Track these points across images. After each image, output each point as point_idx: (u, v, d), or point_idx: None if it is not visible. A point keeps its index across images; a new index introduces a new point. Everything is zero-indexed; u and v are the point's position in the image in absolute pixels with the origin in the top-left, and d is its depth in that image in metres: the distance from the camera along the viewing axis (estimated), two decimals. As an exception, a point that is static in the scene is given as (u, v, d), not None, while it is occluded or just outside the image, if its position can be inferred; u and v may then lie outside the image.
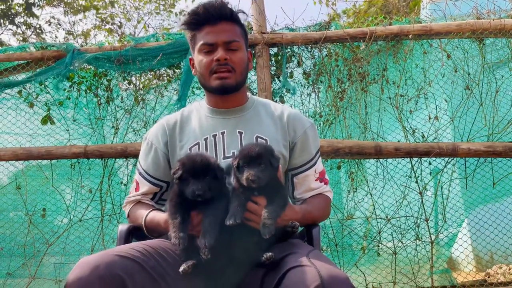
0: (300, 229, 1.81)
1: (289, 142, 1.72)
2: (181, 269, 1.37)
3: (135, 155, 3.01)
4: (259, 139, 1.67)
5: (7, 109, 3.32)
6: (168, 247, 1.48)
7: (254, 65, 3.21)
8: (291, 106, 3.24)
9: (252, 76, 3.26)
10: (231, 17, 1.66)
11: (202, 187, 1.37)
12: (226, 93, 1.69)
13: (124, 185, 3.11)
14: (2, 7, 13.50)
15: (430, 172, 3.15)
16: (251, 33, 3.22)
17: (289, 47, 3.29)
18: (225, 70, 1.63)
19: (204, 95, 1.82)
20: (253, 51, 3.22)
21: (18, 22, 14.80)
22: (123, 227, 1.74)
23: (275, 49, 3.30)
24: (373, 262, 3.15)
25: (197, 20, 1.65)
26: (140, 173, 1.77)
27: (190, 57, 1.77)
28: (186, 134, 1.73)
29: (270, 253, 1.35)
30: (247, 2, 3.34)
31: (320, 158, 1.80)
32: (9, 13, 14.01)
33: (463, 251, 3.17)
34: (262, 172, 1.39)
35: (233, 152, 1.64)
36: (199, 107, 1.80)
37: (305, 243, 1.62)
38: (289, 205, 1.53)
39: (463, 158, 3.13)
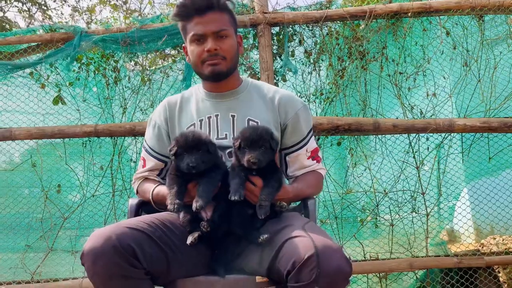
0: (298, 203, 1.96)
1: (280, 124, 1.84)
2: (188, 241, 1.53)
3: (143, 133, 3.10)
4: (250, 122, 1.80)
5: (20, 90, 3.46)
6: (174, 219, 1.64)
7: (256, 44, 3.30)
8: (292, 85, 3.33)
9: (254, 55, 3.34)
10: (218, 6, 1.74)
11: (195, 160, 1.51)
12: (218, 80, 1.82)
13: (133, 162, 3.26)
14: (7, -16, 13.45)
15: (428, 148, 3.25)
16: (252, 13, 3.28)
17: (290, 26, 3.35)
18: (216, 59, 1.73)
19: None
20: (254, 31, 3.29)
21: (23, -1, 14.75)
22: (133, 201, 1.90)
23: (277, 29, 3.37)
24: (371, 234, 3.30)
25: (186, 12, 1.74)
26: (146, 150, 1.92)
27: (183, 45, 1.88)
28: (184, 115, 1.88)
29: (266, 235, 1.50)
30: (249, -18, 3.39)
31: (313, 137, 1.91)
32: (14, -11, 13.95)
33: (462, 226, 3.29)
34: (262, 154, 1.52)
35: (226, 134, 1.77)
36: (197, 90, 1.94)
37: (301, 216, 1.76)
38: (283, 187, 1.67)
39: (460, 133, 3.23)
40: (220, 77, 1.80)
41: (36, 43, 3.37)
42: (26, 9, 15.08)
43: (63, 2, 16.45)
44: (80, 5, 16.24)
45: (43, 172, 3.29)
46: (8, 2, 14.38)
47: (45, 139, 3.23)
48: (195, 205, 1.47)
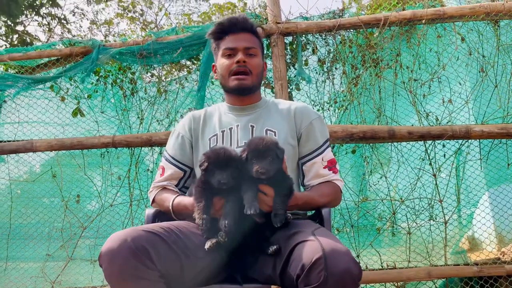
0: (312, 212, 1.97)
1: (296, 133, 1.90)
2: (206, 245, 1.57)
3: (160, 144, 3.20)
4: (268, 132, 1.87)
5: (41, 103, 3.57)
6: (190, 226, 1.67)
7: (269, 55, 3.33)
8: (306, 94, 3.35)
9: (268, 65, 3.37)
10: (251, 29, 1.95)
11: (226, 177, 1.56)
12: (243, 94, 1.96)
13: (150, 172, 3.31)
14: (28, -1, 13.86)
15: (444, 155, 3.22)
16: (266, 24, 3.32)
17: (303, 35, 3.38)
18: (243, 71, 1.89)
19: (223, 99, 2.12)
20: (268, 41, 3.33)
21: (43, 13, 15.19)
22: (149, 211, 1.95)
23: (290, 38, 3.40)
24: (388, 242, 3.28)
25: (222, 30, 1.94)
26: (166, 159, 2.00)
27: (213, 63, 2.05)
28: (208, 127, 1.98)
29: (275, 246, 1.53)
30: (262, -7, 3.43)
31: (330, 148, 1.94)
32: (34, 4, 14.39)
33: (482, 233, 3.23)
34: (269, 164, 1.56)
35: (245, 143, 1.81)
36: (220, 106, 2.07)
37: (313, 223, 1.77)
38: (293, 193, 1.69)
39: (477, 140, 3.18)
40: (244, 91, 1.93)
41: (56, 57, 3.48)
42: (46, 23, 15.51)
43: (82, 16, 16.87)
44: (98, 18, 16.63)
45: (64, 183, 3.37)
46: (29, 16, 14.81)
47: (65, 150, 3.31)
48: (223, 222, 1.54)
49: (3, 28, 14.52)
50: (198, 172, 1.84)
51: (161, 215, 1.93)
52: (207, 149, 1.78)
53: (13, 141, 3.39)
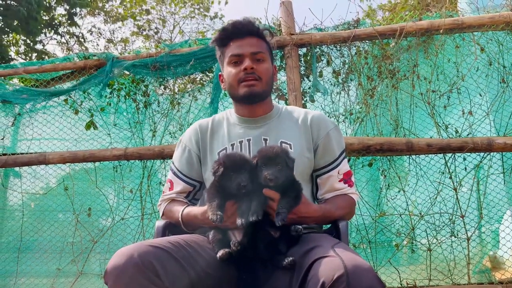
0: (328, 226, 1.89)
1: (313, 145, 1.81)
2: (219, 253, 1.49)
3: (172, 156, 3.15)
4: (283, 144, 1.77)
5: (55, 115, 3.57)
6: (200, 241, 1.60)
7: (283, 66, 3.29)
8: (321, 105, 3.28)
9: (282, 77, 3.33)
10: (257, 33, 1.81)
11: (245, 180, 1.49)
12: (253, 101, 1.83)
13: (162, 185, 3.26)
14: (46, 17, 14.23)
15: (465, 168, 3.10)
16: (279, 35, 3.29)
17: (318, 47, 3.34)
18: (252, 79, 1.76)
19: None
20: (282, 53, 3.29)
21: (62, 31, 15.56)
22: (159, 223, 1.88)
23: (304, 50, 3.36)
24: (407, 259, 3.15)
25: (226, 35, 1.81)
26: (174, 173, 1.90)
27: (220, 73, 1.92)
28: (216, 139, 1.87)
29: (291, 258, 1.45)
30: (276, 5, 3.42)
31: (346, 159, 1.85)
32: (53, 23, 14.75)
33: (506, 251, 3.09)
34: (279, 172, 1.50)
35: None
36: (229, 115, 1.94)
37: (331, 237, 1.68)
38: (307, 203, 1.61)
39: (500, 153, 3.06)
40: (255, 99, 1.81)
41: (70, 70, 3.49)
42: (65, 42, 15.87)
43: (99, 35, 17.23)
44: (114, 36, 16.99)
45: (76, 197, 3.35)
46: (48, 35, 15.17)
47: (77, 162, 3.30)
48: (240, 221, 1.46)
49: (23, 47, 14.90)
50: (209, 181, 1.77)
51: (172, 227, 1.87)
52: None
53: (26, 153, 3.38)
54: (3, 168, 3.45)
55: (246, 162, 1.56)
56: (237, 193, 1.51)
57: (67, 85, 3.54)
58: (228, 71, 1.81)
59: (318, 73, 3.33)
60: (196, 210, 1.71)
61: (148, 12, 16.22)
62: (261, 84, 1.78)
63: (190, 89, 3.52)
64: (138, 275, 1.31)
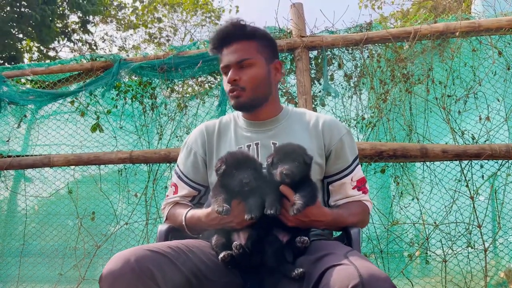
0: (339, 233, 1.79)
1: (324, 150, 1.72)
2: (221, 255, 1.42)
3: (178, 160, 3.08)
4: None
5: (60, 117, 3.53)
6: (202, 246, 1.51)
7: (293, 69, 3.21)
8: (332, 109, 3.19)
9: (292, 80, 3.25)
10: (243, 35, 1.70)
11: (248, 176, 1.44)
12: (246, 111, 1.77)
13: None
14: (60, 25, 14.41)
15: (482, 176, 2.97)
16: (290, 37, 3.21)
17: (329, 49, 3.25)
18: (235, 90, 1.69)
19: None
20: (292, 55, 3.21)
21: (75, 39, 15.74)
22: (162, 227, 1.80)
23: (314, 52, 3.28)
24: (421, 270, 3.01)
25: (215, 45, 1.74)
26: (179, 176, 1.81)
27: None
28: (223, 142, 1.79)
29: (301, 270, 1.36)
30: (287, 7, 3.35)
31: (359, 165, 1.76)
32: (66, 30, 14.93)
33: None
34: (296, 167, 1.43)
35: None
36: (236, 117, 1.86)
37: (343, 244, 1.58)
38: (319, 206, 1.51)
39: (519, 160, 2.93)
40: (244, 109, 1.75)
41: (77, 72, 3.45)
42: (77, 49, 16.04)
43: (111, 42, 17.41)
44: (126, 43, 17.16)
45: (80, 200, 3.28)
46: (61, 42, 15.35)
47: (82, 165, 3.24)
48: (248, 216, 1.39)
49: (36, 54, 15.09)
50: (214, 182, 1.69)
51: (175, 231, 1.79)
52: None
53: (31, 155, 3.34)
54: (12, 171, 3.41)
55: (249, 160, 1.51)
56: (240, 190, 1.45)
57: (73, 87, 3.50)
58: (223, 81, 1.78)
59: (329, 77, 3.24)
60: (200, 212, 1.62)
61: (159, 20, 16.35)
62: (246, 93, 1.69)
63: (197, 92, 3.45)
64: (135, 281, 1.24)
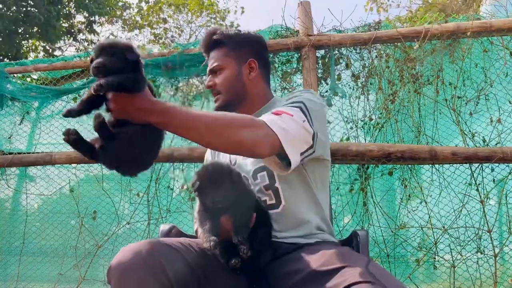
0: (344, 236, 1.70)
1: None
2: (232, 261, 1.34)
3: (182, 159, 3.03)
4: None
5: (70, 120, 3.48)
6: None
7: (300, 68, 3.15)
8: (339, 110, 3.13)
9: (298, 79, 3.19)
10: (215, 44, 1.75)
11: (219, 194, 1.36)
12: (231, 111, 1.63)
13: (171, 188, 3.13)
14: (66, 25, 14.43)
15: (493, 180, 2.90)
16: (297, 36, 3.16)
17: (336, 49, 3.19)
18: (214, 95, 1.76)
19: None
20: (298, 54, 3.15)
21: (80, 39, 15.78)
22: (164, 227, 1.76)
23: (322, 52, 3.22)
24: (429, 275, 2.94)
25: (205, 55, 1.85)
26: None
27: None
28: None
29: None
30: (294, 5, 3.29)
31: (299, 110, 1.45)
32: (72, 30, 14.96)
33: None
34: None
35: None
36: None
37: (356, 253, 1.50)
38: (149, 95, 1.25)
39: (531, 164, 2.86)
40: (226, 110, 1.64)
41: (81, 69, 3.41)
42: (83, 48, 16.06)
43: (117, 42, 17.44)
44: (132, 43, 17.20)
45: (81, 199, 3.23)
46: (67, 42, 15.38)
47: (84, 163, 3.19)
48: (236, 238, 1.33)
49: (42, 53, 15.13)
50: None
51: (178, 232, 1.74)
52: None
53: (32, 153, 3.29)
54: (16, 169, 3.37)
55: (222, 173, 1.41)
56: (215, 209, 1.37)
57: (77, 83, 3.46)
58: None
59: (336, 76, 3.18)
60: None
61: (165, 20, 16.36)
62: (222, 96, 1.72)
63: (202, 91, 3.40)
64: (146, 273, 1.18)
